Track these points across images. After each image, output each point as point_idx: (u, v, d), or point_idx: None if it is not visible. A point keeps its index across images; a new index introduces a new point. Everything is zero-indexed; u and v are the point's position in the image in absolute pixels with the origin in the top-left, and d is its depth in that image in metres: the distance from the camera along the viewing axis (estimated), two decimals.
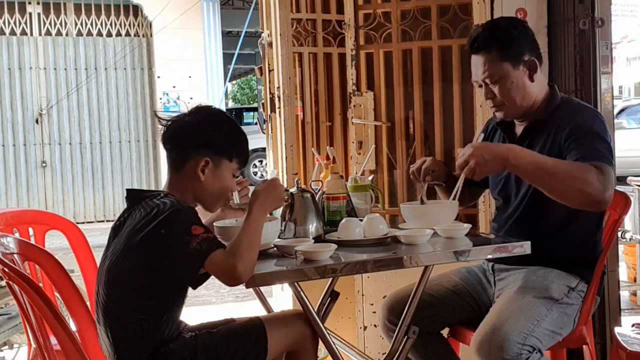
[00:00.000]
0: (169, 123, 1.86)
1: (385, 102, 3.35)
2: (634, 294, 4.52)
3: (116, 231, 1.80)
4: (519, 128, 2.24)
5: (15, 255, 1.83)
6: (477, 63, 2.15)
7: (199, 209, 1.85)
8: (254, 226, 1.71)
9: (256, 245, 1.69)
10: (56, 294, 2.11)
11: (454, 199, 2.14)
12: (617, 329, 2.41)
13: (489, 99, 2.17)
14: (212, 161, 1.81)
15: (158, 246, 1.66)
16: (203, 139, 1.82)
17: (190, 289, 1.80)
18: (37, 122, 9.82)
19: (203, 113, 1.88)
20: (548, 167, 1.96)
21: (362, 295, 3.10)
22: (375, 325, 3.03)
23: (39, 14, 9.85)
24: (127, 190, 1.83)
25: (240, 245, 1.65)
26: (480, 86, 2.18)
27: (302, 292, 1.86)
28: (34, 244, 1.93)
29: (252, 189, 1.90)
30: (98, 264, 1.84)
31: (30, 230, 2.64)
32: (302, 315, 1.90)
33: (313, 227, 2.07)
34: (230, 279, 1.63)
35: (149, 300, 1.70)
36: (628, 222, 4.51)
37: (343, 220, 2.07)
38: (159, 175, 10.33)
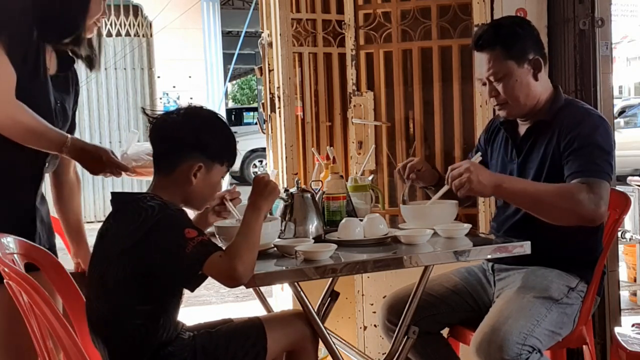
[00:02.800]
0: (159, 122, 1.82)
1: (385, 102, 3.35)
2: (634, 294, 4.52)
3: (103, 237, 1.75)
4: (522, 128, 2.24)
5: (15, 255, 1.83)
6: (482, 61, 2.15)
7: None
8: (250, 228, 1.69)
9: (255, 246, 1.67)
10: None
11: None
12: (617, 329, 2.41)
13: (493, 97, 2.17)
14: (205, 166, 1.78)
15: (150, 252, 1.63)
16: (198, 143, 1.78)
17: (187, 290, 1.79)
18: None
19: (198, 115, 1.84)
20: (537, 194, 1.99)
21: (362, 295, 3.10)
22: (375, 325, 3.03)
23: None
24: (112, 193, 1.76)
25: (238, 246, 1.64)
26: (484, 84, 2.18)
27: (302, 292, 1.86)
28: (34, 244, 1.93)
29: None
30: None
31: None
32: (302, 315, 1.90)
33: (313, 227, 2.07)
34: (231, 281, 1.61)
35: (144, 305, 1.67)
36: (628, 222, 4.50)
37: (343, 220, 2.07)
38: None
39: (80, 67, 2.18)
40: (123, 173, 2.11)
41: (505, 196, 2.04)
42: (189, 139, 1.77)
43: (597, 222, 2.03)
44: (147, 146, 2.03)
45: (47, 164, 2.09)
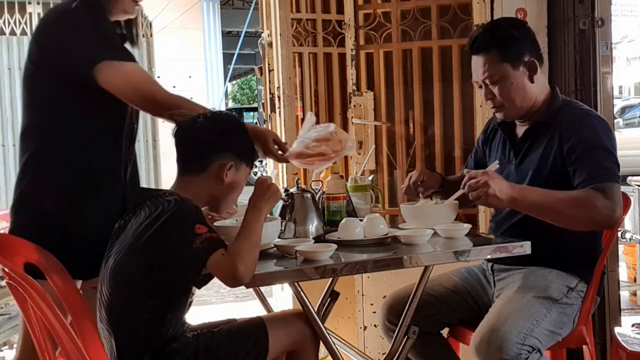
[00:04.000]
0: (189, 125, 1.85)
1: (385, 102, 3.35)
2: (634, 294, 4.52)
3: (120, 230, 1.80)
4: (520, 129, 2.24)
5: (15, 255, 1.83)
6: (477, 64, 2.15)
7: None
8: (251, 229, 1.71)
9: (256, 246, 1.69)
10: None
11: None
12: (617, 329, 2.41)
13: (489, 100, 2.17)
14: (235, 164, 1.84)
15: (162, 245, 1.67)
16: (229, 143, 1.85)
17: (195, 289, 1.80)
18: None
19: (225, 118, 1.91)
20: (552, 204, 1.99)
21: (362, 295, 3.10)
22: (375, 325, 3.03)
23: (39, 14, 9.82)
24: (132, 189, 1.83)
25: (240, 246, 1.66)
26: (481, 87, 2.18)
27: (302, 292, 1.86)
28: (34, 244, 1.93)
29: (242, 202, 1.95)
30: None
31: None
32: (303, 315, 1.91)
33: (313, 227, 2.07)
34: (232, 281, 1.63)
35: (153, 299, 1.70)
36: (628, 222, 4.50)
37: (343, 220, 2.07)
38: (159, 175, 10.31)
39: None
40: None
41: (521, 208, 2.03)
42: (220, 140, 1.84)
43: (614, 227, 2.06)
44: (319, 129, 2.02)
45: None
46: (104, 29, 1.98)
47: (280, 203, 2.12)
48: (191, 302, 1.83)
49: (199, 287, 1.76)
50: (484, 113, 3.00)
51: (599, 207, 1.95)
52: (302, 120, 3.40)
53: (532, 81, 2.14)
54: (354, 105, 3.28)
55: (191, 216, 1.68)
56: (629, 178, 4.57)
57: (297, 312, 1.95)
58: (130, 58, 1.96)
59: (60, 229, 1.91)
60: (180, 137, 1.87)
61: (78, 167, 1.95)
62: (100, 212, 1.94)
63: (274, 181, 1.86)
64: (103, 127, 1.98)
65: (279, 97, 3.25)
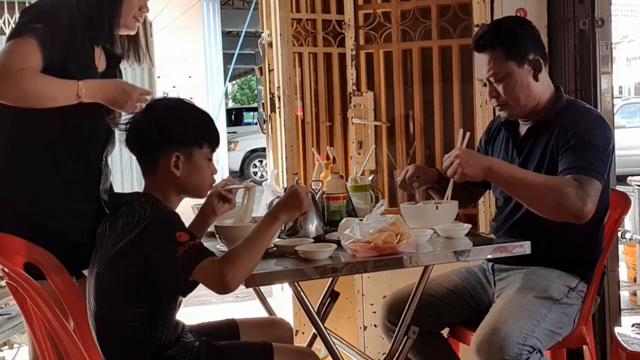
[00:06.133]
0: (128, 127, 1.77)
1: (385, 102, 3.36)
2: (634, 294, 4.52)
3: (101, 237, 1.74)
4: (523, 128, 2.24)
5: (15, 255, 1.83)
6: (482, 61, 2.15)
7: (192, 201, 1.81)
8: (258, 235, 1.66)
9: (256, 255, 1.63)
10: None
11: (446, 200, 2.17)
12: (617, 329, 2.41)
13: (493, 98, 2.17)
14: (183, 154, 1.73)
15: (143, 254, 1.61)
16: (167, 134, 1.73)
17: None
18: None
19: (159, 108, 1.79)
20: (526, 180, 2.01)
21: (362, 295, 3.10)
22: (375, 325, 3.03)
23: None
24: (108, 195, 1.72)
25: (236, 253, 1.61)
26: (485, 85, 2.18)
27: (302, 292, 1.86)
28: (34, 244, 1.93)
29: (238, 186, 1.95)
30: None
31: None
32: (314, 355, 1.89)
33: (313, 227, 2.07)
34: (218, 286, 1.58)
35: (140, 308, 1.66)
36: (628, 222, 4.50)
37: (343, 220, 2.07)
38: None
39: None
40: None
41: (496, 179, 2.07)
42: (156, 134, 1.73)
43: (582, 220, 1.99)
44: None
45: (105, 152, 2.11)
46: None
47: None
48: (180, 301, 1.80)
49: (184, 295, 1.72)
50: (484, 113, 3.00)
51: (569, 195, 1.94)
52: (302, 120, 3.41)
53: (536, 80, 2.14)
54: (354, 105, 3.29)
55: (169, 224, 1.63)
56: (629, 178, 4.57)
57: (310, 351, 1.95)
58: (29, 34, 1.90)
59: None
60: (125, 141, 1.78)
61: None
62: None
63: (291, 185, 1.78)
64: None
65: (279, 97, 3.25)
